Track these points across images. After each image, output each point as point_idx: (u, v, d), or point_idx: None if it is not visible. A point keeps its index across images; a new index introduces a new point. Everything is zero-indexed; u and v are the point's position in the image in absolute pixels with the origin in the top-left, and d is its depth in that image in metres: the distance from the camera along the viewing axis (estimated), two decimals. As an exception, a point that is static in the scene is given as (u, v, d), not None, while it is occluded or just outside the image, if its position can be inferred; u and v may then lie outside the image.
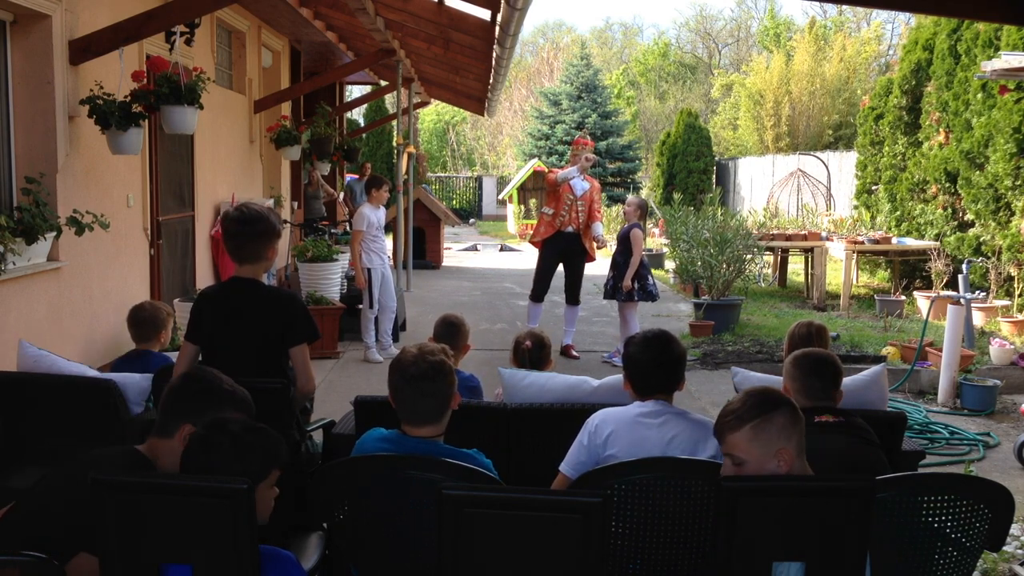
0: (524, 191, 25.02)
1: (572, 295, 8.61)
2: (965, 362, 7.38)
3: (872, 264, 13.57)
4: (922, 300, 10.62)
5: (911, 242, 11.80)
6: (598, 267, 9.74)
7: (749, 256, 10.42)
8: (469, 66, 11.40)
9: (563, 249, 8.51)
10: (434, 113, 38.47)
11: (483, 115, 16.51)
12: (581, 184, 8.45)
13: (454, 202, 30.55)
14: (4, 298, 4.98)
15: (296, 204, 12.87)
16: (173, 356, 4.89)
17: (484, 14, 8.30)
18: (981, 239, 10.70)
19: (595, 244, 8.57)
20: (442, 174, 34.57)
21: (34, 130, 5.41)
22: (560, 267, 8.68)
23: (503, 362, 4.40)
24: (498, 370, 3.86)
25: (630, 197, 8.60)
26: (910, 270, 12.12)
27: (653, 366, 3.01)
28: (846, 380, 3.78)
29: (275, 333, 3.38)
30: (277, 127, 10.18)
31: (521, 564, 2.13)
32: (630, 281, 8.00)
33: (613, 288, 8.23)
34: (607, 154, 27.67)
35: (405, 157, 12.52)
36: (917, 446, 3.94)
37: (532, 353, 4.10)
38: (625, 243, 8.16)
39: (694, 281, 10.73)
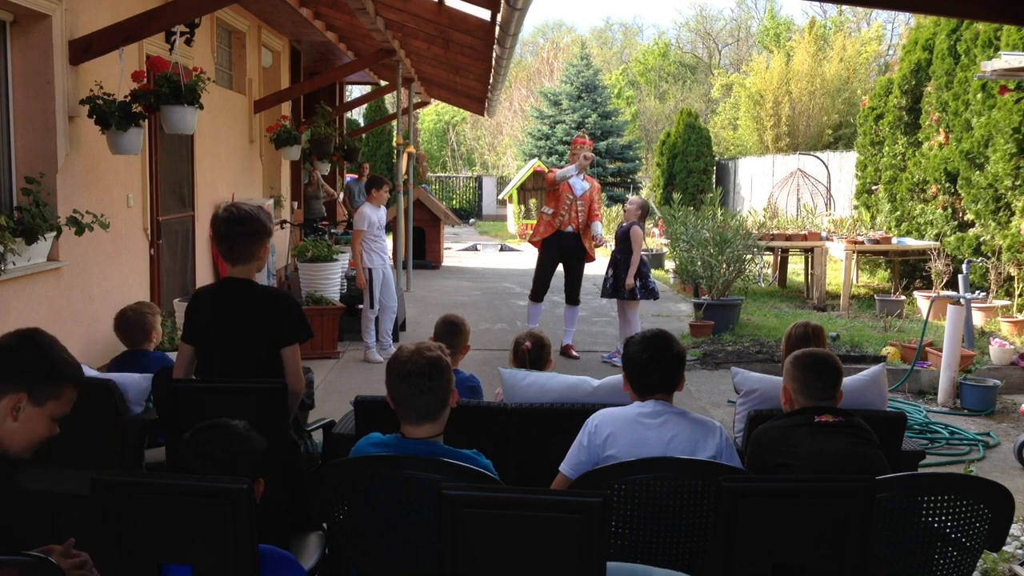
0: (524, 191, 25.03)
1: (572, 295, 8.61)
2: (965, 362, 7.38)
3: (872, 264, 13.57)
4: (922, 300, 10.62)
5: (911, 242, 11.80)
6: (598, 267, 9.74)
7: (749, 256, 10.42)
8: (469, 66, 11.40)
9: (563, 248, 8.51)
10: (434, 113, 38.47)
11: (483, 115, 16.51)
12: (581, 184, 8.46)
13: (454, 202, 30.55)
14: (4, 298, 4.98)
15: (296, 204, 12.87)
16: (172, 355, 4.90)
17: (484, 14, 8.30)
18: (981, 239, 10.70)
19: (594, 243, 8.57)
20: (442, 174, 34.58)
21: (34, 130, 5.40)
22: (560, 267, 8.68)
23: (503, 362, 4.39)
24: (498, 370, 3.86)
25: (632, 197, 8.61)
26: (910, 270, 12.12)
27: (652, 366, 3.01)
28: (846, 380, 3.78)
29: (269, 332, 3.39)
30: (277, 127, 10.17)
31: (521, 564, 2.13)
32: (632, 279, 8.01)
33: (612, 287, 8.23)
34: (607, 154, 27.66)
35: (405, 157, 12.52)
36: (917, 446, 3.94)
37: (532, 353, 4.10)
38: (625, 241, 8.17)
39: (694, 281, 10.74)
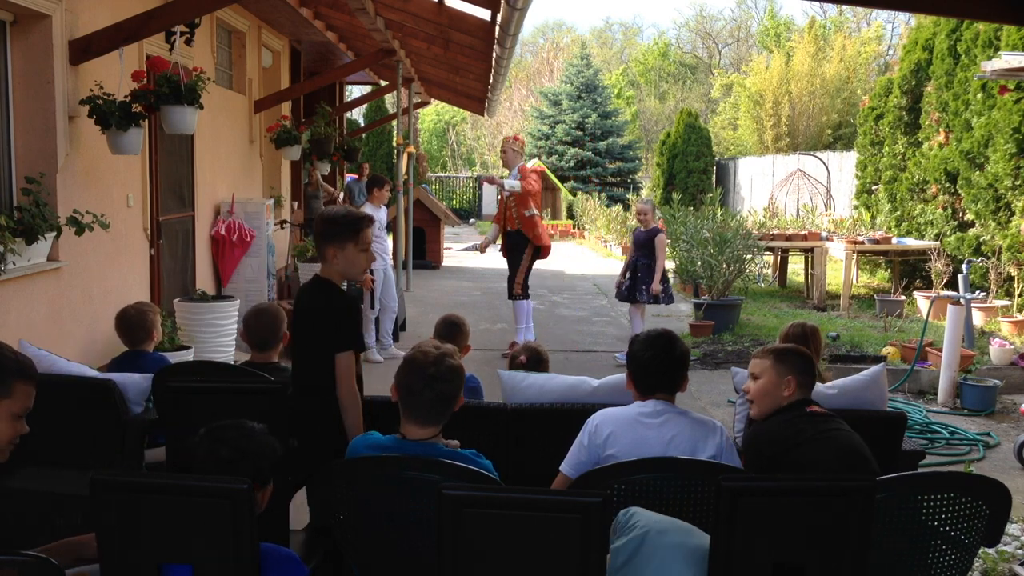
0: (524, 191, 24.94)
1: (508, 290, 8.54)
2: (965, 362, 7.38)
3: (872, 264, 13.57)
4: (922, 300, 10.62)
5: (911, 242, 11.80)
6: (599, 266, 9.72)
7: (749, 256, 10.43)
8: (469, 66, 11.40)
9: (507, 247, 8.57)
10: (434, 113, 38.49)
11: (483, 115, 16.51)
12: (511, 183, 8.38)
13: (454, 202, 30.55)
14: (4, 298, 4.98)
15: (296, 204, 12.87)
16: (170, 356, 4.90)
17: (484, 14, 8.29)
18: (981, 239, 10.70)
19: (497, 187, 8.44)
20: (442, 174, 34.58)
21: (34, 130, 5.40)
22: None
23: (503, 362, 4.38)
24: (497, 372, 3.85)
25: (641, 204, 8.64)
26: (910, 270, 12.12)
27: (655, 365, 3.01)
28: (846, 380, 3.78)
29: (324, 335, 3.32)
30: (277, 127, 10.17)
31: (521, 564, 2.13)
32: (659, 285, 8.16)
33: (628, 290, 8.31)
34: (607, 154, 27.67)
35: (405, 157, 12.52)
36: (917, 446, 3.94)
37: (528, 368, 4.07)
38: (647, 247, 8.26)
39: (694, 281, 10.74)
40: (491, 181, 8.63)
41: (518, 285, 8.44)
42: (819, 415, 3.04)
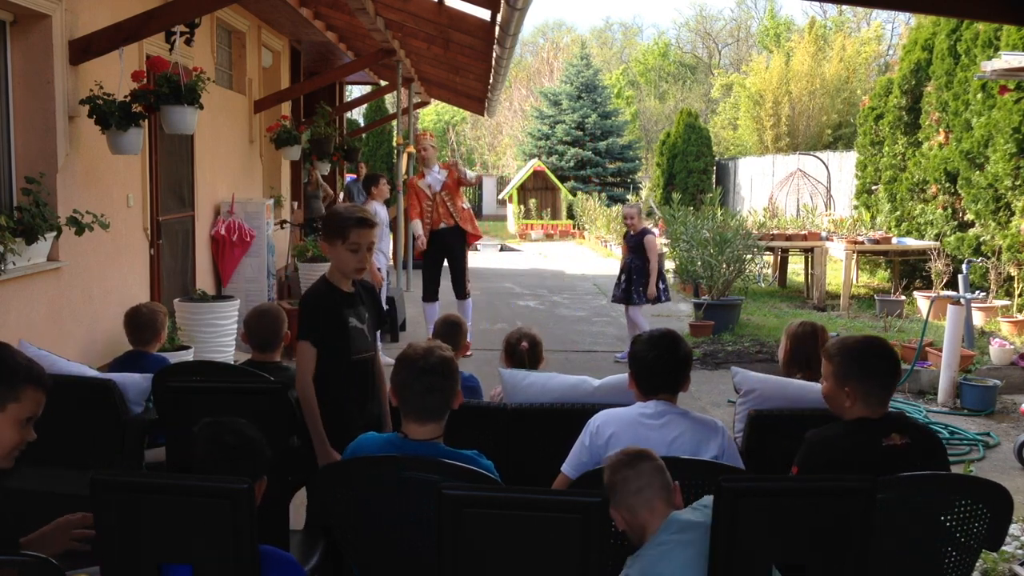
0: (524, 191, 25.03)
1: (459, 290, 8.52)
2: (965, 362, 7.38)
3: (872, 264, 13.58)
4: (922, 300, 10.62)
5: (911, 242, 11.81)
6: (599, 266, 9.73)
7: (749, 256, 10.43)
8: (469, 66, 11.40)
9: (441, 246, 8.46)
10: (434, 113, 38.49)
11: (483, 115, 16.51)
12: (436, 178, 8.36)
13: (454, 202, 30.54)
14: (4, 298, 4.98)
15: (296, 204, 12.87)
16: (170, 356, 4.90)
17: (484, 14, 8.29)
18: (981, 239, 10.70)
19: (463, 181, 8.41)
20: (442, 174, 34.58)
21: (34, 130, 5.40)
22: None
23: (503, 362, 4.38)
24: (498, 370, 3.86)
25: (627, 208, 8.68)
26: (910, 270, 12.12)
27: (658, 366, 3.00)
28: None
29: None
30: (277, 127, 10.16)
31: (521, 564, 2.13)
32: (655, 288, 8.25)
33: (624, 292, 8.36)
34: (607, 154, 27.68)
35: (405, 157, 12.52)
36: (917, 446, 3.93)
37: (530, 353, 4.08)
38: (639, 249, 8.32)
39: (694, 281, 10.75)
40: (453, 166, 8.56)
41: (468, 283, 8.51)
42: (893, 455, 2.68)
